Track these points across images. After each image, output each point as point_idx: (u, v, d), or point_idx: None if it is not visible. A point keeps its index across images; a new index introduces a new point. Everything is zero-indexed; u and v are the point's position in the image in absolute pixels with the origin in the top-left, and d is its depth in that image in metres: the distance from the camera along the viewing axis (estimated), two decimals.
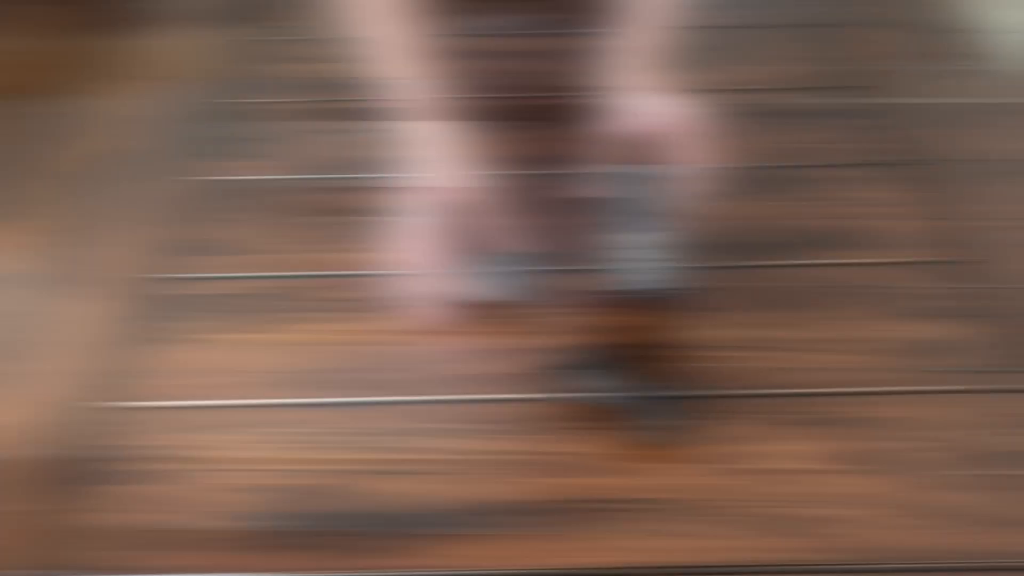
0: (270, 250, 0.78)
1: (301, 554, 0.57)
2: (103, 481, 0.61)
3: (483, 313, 0.71)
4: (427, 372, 0.67)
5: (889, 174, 0.84)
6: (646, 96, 0.72)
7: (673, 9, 0.78)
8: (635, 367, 0.67)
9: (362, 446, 0.63)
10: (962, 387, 0.66)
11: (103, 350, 0.70)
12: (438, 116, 0.71)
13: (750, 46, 1.01)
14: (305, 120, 0.92)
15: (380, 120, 0.91)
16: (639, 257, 0.69)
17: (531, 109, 0.93)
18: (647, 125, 0.74)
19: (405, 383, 0.67)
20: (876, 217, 0.79)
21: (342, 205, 0.82)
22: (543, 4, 1.08)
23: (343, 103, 0.95)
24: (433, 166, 0.67)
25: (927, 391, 0.65)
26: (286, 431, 0.64)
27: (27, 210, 0.83)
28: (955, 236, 0.77)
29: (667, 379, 0.66)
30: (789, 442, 0.62)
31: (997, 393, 0.65)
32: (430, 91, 0.73)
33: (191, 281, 0.75)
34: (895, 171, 0.84)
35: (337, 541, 0.58)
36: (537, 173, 0.84)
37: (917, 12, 1.06)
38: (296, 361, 0.68)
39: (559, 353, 0.67)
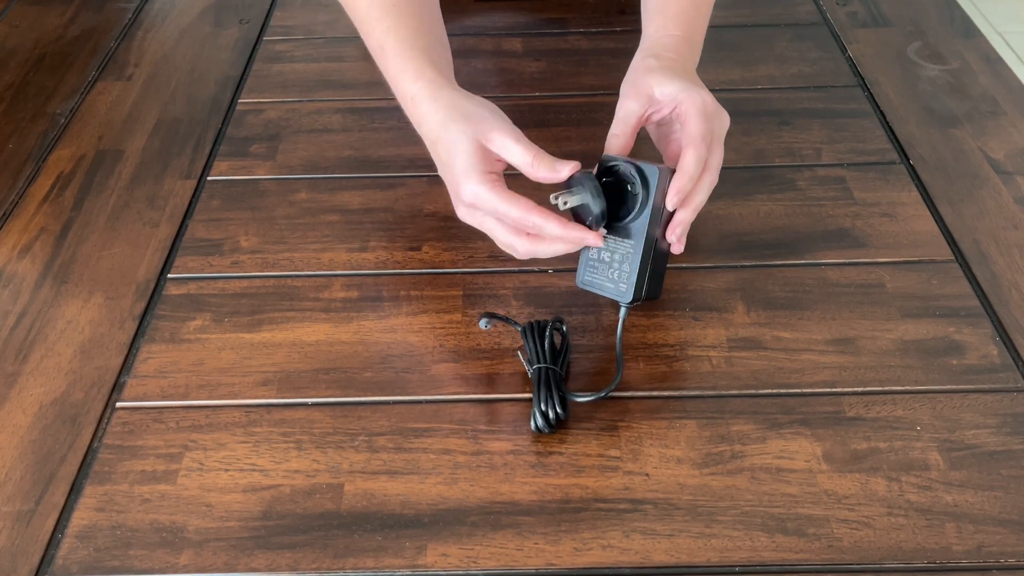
0: (270, 250, 0.78)
1: (297, 554, 0.57)
2: (101, 481, 0.61)
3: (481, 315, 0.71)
4: (424, 372, 0.67)
5: (889, 174, 0.84)
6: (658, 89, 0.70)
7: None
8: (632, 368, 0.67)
9: (359, 446, 0.63)
10: (963, 387, 0.66)
11: (102, 350, 0.70)
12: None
13: (750, 46, 1.01)
14: (306, 120, 0.93)
15: (384, 119, 0.91)
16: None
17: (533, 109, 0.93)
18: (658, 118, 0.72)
19: (402, 383, 0.67)
20: (876, 217, 0.79)
21: (341, 205, 0.82)
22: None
23: (346, 103, 0.95)
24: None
25: (928, 391, 0.65)
26: (284, 431, 0.64)
27: (27, 210, 0.83)
28: (955, 236, 0.77)
29: (665, 379, 0.67)
30: (789, 442, 0.62)
31: (997, 393, 0.65)
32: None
33: (190, 281, 0.75)
34: (895, 171, 0.84)
35: (333, 541, 0.58)
36: None
37: (917, 12, 1.06)
38: (296, 361, 0.68)
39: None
